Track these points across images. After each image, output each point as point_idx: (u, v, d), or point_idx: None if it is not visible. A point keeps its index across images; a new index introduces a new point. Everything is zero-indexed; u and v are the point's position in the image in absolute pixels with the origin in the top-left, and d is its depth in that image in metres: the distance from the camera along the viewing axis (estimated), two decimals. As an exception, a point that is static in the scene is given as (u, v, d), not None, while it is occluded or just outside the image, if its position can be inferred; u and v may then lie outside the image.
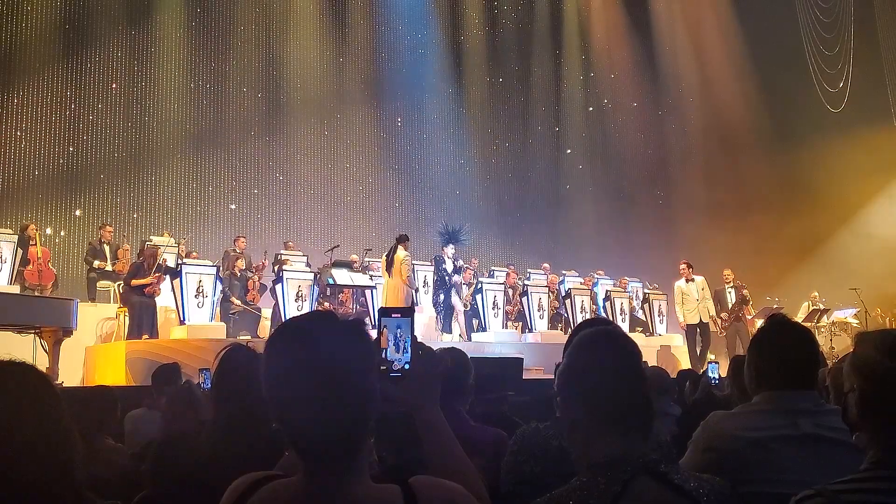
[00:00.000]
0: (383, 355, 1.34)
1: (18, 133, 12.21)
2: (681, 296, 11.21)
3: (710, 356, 10.97)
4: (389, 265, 9.46)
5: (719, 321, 11.27)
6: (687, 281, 11.13)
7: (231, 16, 14.43)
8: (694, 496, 1.37)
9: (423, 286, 11.80)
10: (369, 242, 13.71)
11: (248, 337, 9.02)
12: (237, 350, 2.07)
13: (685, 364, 10.88)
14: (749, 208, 17.04)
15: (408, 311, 1.37)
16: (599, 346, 1.48)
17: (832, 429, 1.91)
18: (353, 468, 1.19)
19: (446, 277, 10.10)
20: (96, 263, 10.04)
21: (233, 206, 14.00)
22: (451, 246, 10.12)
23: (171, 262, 9.82)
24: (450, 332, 10.33)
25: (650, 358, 10.17)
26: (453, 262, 10.15)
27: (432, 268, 11.61)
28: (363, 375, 1.19)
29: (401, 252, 9.45)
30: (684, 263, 11.35)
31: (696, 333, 11.16)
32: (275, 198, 14.58)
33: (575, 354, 1.50)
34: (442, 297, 10.22)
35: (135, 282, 8.66)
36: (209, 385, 3.95)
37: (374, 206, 15.59)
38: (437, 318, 10.35)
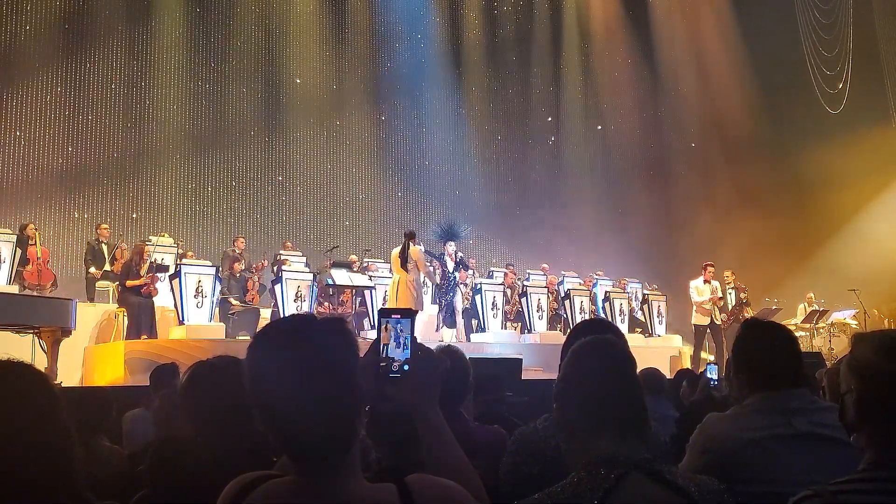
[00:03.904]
0: (383, 354, 1.34)
1: (18, 132, 12.20)
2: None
3: (710, 357, 11.00)
4: (405, 261, 9.42)
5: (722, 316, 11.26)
6: (704, 282, 11.09)
7: (231, 16, 14.43)
8: (686, 493, 1.39)
9: (423, 287, 11.79)
10: (368, 243, 13.71)
11: (247, 337, 9.01)
12: (203, 364, 2.04)
13: (683, 364, 10.87)
14: (748, 209, 17.04)
15: (408, 312, 1.38)
16: (594, 355, 1.54)
17: (827, 426, 1.93)
18: (345, 466, 1.19)
19: (449, 275, 10.09)
20: (92, 270, 10.03)
21: (227, 206, 13.99)
22: (451, 243, 10.12)
23: (169, 263, 9.82)
24: (450, 327, 10.29)
25: (649, 359, 10.16)
26: (454, 259, 10.13)
27: (431, 268, 11.59)
28: (349, 371, 1.20)
29: (417, 248, 9.48)
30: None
31: (707, 335, 11.13)
32: (274, 198, 14.58)
33: (571, 363, 1.55)
34: (448, 295, 10.19)
35: (129, 283, 8.67)
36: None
37: (373, 207, 15.60)
38: (438, 315, 10.33)
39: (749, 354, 2.10)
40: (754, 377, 2.06)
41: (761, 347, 2.08)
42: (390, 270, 10.25)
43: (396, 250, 9.61)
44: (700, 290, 11.07)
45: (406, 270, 9.42)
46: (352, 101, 15.63)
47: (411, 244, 9.45)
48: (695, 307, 11.14)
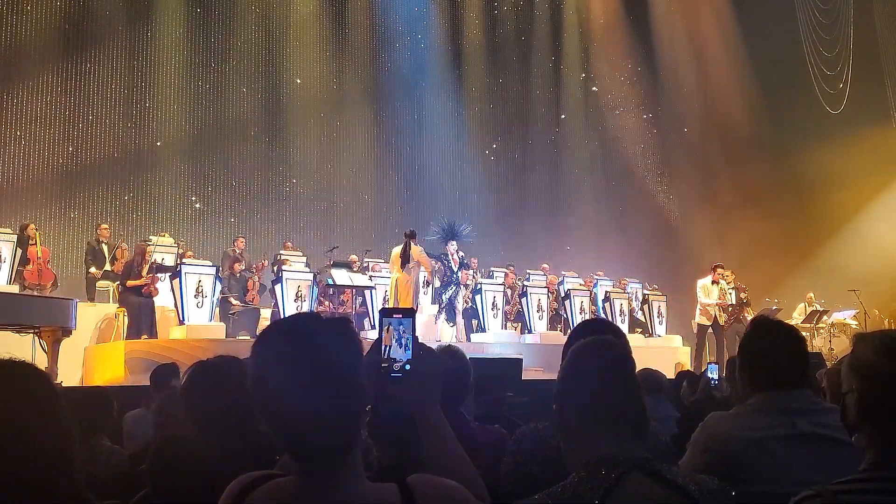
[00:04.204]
0: (385, 354, 1.34)
1: (18, 132, 12.20)
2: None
3: (710, 357, 10.99)
4: (406, 261, 9.41)
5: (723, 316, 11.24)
6: (713, 282, 11.03)
7: (231, 16, 14.43)
8: (686, 492, 1.39)
9: (423, 287, 11.78)
10: (368, 243, 13.70)
11: (248, 337, 9.02)
12: (203, 364, 2.05)
13: (684, 364, 10.86)
14: (748, 209, 17.04)
15: (409, 312, 1.38)
16: (594, 355, 1.55)
17: (828, 427, 1.93)
18: (347, 466, 1.20)
19: (451, 275, 10.09)
20: (92, 270, 10.04)
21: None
22: (452, 243, 10.11)
23: (169, 263, 9.82)
24: (453, 325, 10.27)
25: (649, 359, 10.16)
26: (456, 259, 10.12)
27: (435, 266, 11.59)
28: (352, 371, 1.20)
29: (418, 247, 9.48)
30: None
31: (708, 334, 11.11)
32: (274, 198, 14.58)
33: (571, 363, 1.56)
34: (447, 295, 10.17)
35: (129, 283, 8.68)
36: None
37: (373, 207, 15.60)
38: (437, 315, 10.32)
39: (752, 353, 2.09)
40: (757, 376, 2.06)
41: (764, 347, 2.08)
42: (390, 270, 10.23)
43: (397, 250, 9.59)
44: (708, 290, 11.01)
45: (406, 270, 9.41)
46: (351, 101, 15.62)
47: (412, 244, 9.44)
48: (699, 307, 11.10)
